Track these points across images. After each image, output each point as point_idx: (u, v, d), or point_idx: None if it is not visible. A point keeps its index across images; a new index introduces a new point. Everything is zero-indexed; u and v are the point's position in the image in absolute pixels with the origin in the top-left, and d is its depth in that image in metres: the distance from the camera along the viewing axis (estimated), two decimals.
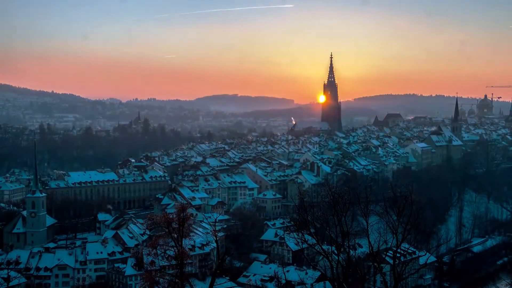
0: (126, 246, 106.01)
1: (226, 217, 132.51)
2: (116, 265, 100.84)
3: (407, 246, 79.94)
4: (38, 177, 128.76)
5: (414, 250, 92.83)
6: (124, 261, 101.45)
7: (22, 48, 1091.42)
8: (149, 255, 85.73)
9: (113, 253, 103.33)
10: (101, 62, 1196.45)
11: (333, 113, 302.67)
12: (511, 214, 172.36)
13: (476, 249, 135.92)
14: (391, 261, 38.95)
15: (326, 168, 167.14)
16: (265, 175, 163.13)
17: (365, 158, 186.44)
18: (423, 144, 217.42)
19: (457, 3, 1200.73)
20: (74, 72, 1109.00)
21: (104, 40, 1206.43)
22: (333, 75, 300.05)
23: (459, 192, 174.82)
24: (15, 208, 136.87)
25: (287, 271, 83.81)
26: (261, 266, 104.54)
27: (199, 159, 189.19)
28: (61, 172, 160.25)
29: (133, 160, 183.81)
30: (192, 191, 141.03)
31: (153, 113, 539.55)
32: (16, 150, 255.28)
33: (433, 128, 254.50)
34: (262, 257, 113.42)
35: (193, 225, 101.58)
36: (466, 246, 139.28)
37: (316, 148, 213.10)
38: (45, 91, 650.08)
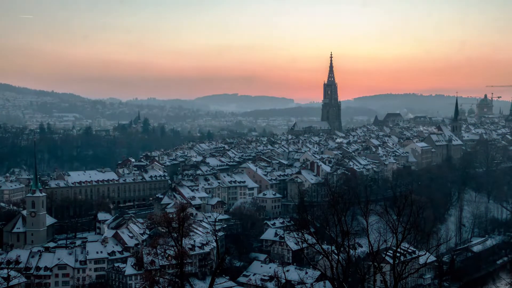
0: (126, 245, 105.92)
1: (226, 216, 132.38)
2: (116, 264, 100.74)
3: (407, 245, 79.86)
4: (38, 176, 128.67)
5: (414, 249, 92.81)
6: (124, 260, 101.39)
7: (22, 47, 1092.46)
8: (149, 255, 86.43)
9: (113, 252, 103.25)
10: (101, 62, 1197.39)
11: (333, 113, 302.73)
12: (511, 213, 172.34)
13: (476, 248, 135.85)
14: (391, 261, 38.94)
15: (326, 168, 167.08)
16: (265, 175, 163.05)
17: (365, 157, 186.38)
18: (423, 144, 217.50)
19: (457, 3, 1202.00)
20: (74, 72, 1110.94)
21: (104, 40, 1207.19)
22: (333, 75, 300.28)
23: (459, 192, 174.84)
24: (15, 207, 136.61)
25: (287, 270, 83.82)
26: (261, 266, 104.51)
27: (199, 158, 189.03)
28: (60, 170, 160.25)
29: (133, 160, 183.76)
30: (192, 190, 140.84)
31: (153, 113, 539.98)
32: (16, 149, 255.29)
33: (433, 128, 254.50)
34: (262, 256, 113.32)
35: (193, 225, 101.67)
36: (466, 245, 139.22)
37: (316, 148, 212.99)
38: (45, 90, 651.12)
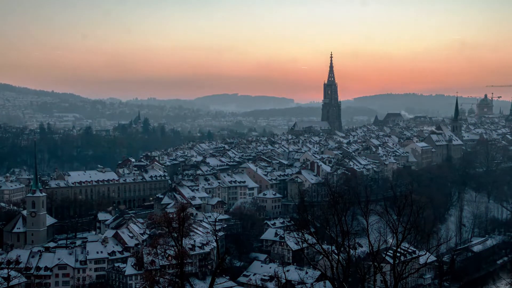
0: (126, 245, 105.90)
1: (226, 216, 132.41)
2: (116, 264, 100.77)
3: (407, 245, 79.89)
4: (38, 176, 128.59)
5: (414, 249, 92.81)
6: (124, 260, 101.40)
7: (22, 47, 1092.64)
8: (149, 255, 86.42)
9: (113, 252, 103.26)
10: (101, 61, 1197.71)
11: (333, 113, 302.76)
12: (511, 213, 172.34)
13: (476, 248, 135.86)
14: (391, 261, 38.93)
15: (326, 168, 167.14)
16: (265, 175, 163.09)
17: (365, 157, 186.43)
18: (423, 144, 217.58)
19: (457, 3, 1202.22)
20: (74, 72, 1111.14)
21: (104, 40, 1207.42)
22: (333, 75, 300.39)
23: (459, 192, 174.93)
24: (15, 207, 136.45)
25: (287, 270, 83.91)
26: (261, 266, 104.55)
27: (199, 158, 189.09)
28: (60, 170, 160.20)
29: (133, 160, 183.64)
30: (192, 190, 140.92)
31: (153, 113, 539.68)
32: (16, 149, 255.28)
33: (433, 128, 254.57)
34: (262, 256, 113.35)
35: (193, 225, 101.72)
36: (466, 245, 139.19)
37: (316, 148, 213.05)
38: (45, 90, 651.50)
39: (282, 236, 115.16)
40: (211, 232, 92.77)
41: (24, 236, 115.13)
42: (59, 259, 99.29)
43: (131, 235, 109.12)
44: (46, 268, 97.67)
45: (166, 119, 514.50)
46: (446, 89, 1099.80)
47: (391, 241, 38.07)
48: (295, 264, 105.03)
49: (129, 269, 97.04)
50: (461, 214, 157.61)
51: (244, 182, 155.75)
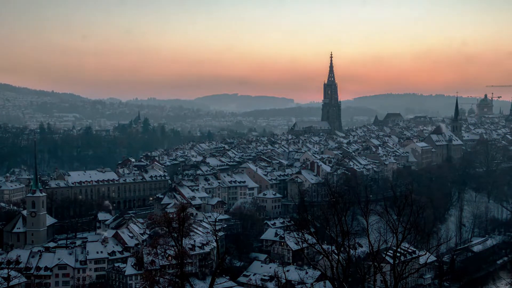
0: (126, 245, 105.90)
1: (226, 216, 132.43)
2: (116, 264, 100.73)
3: (407, 245, 79.90)
4: (38, 176, 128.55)
5: (414, 249, 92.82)
6: (124, 260, 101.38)
7: (22, 47, 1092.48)
8: (149, 255, 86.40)
9: (113, 252, 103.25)
10: (100, 62, 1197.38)
11: (333, 113, 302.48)
12: (511, 213, 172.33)
13: (476, 248, 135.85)
14: (391, 261, 38.94)
15: (326, 168, 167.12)
16: (265, 175, 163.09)
17: (365, 157, 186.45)
18: (423, 144, 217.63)
19: (457, 2, 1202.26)
20: (74, 72, 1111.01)
21: (104, 40, 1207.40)
22: (333, 75, 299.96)
23: (459, 192, 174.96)
24: (15, 207, 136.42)
25: (287, 270, 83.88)
26: (261, 266, 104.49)
27: (199, 158, 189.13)
28: (60, 170, 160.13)
29: (133, 160, 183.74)
30: (192, 190, 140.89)
31: (153, 113, 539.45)
32: (16, 149, 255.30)
33: (433, 128, 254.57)
34: (262, 256, 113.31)
35: (193, 225, 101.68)
36: (466, 245, 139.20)
37: (316, 148, 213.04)
38: (45, 90, 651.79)
39: (282, 236, 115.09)
40: (211, 232, 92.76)
41: (24, 236, 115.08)
42: (59, 259, 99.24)
43: (131, 235, 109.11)
44: (46, 268, 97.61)
45: (166, 119, 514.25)
46: (446, 89, 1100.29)
47: (391, 241, 38.05)
48: (295, 264, 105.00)
49: (129, 269, 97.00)
50: (461, 214, 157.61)
51: (244, 182, 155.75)
